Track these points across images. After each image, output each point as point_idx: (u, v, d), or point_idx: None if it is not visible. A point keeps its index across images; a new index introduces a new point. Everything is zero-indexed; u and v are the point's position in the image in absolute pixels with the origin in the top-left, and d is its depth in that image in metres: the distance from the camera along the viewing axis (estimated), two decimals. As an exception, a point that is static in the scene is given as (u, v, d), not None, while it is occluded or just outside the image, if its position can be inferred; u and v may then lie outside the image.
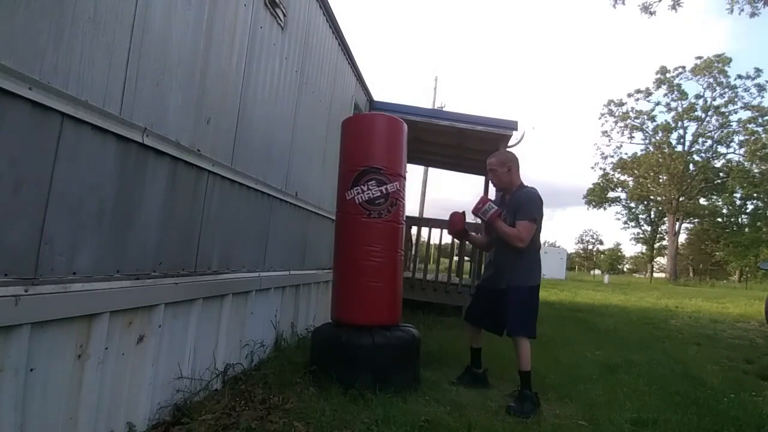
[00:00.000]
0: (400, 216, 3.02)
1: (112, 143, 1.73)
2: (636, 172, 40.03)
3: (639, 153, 39.87)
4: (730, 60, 35.02)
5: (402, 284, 3.13)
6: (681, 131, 38.26)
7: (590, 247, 69.59)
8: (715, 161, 37.54)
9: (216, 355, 2.57)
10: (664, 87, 37.96)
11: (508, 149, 6.38)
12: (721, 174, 37.14)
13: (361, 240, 2.88)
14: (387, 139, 3.02)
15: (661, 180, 39.01)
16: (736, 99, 35.19)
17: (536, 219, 2.83)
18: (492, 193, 5.85)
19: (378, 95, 6.48)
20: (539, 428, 2.45)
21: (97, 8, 1.60)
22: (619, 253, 69.05)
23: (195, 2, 2.18)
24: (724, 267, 47.67)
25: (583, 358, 4.17)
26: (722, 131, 36.41)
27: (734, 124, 35.70)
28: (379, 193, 2.87)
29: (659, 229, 45.42)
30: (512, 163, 3.00)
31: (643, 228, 46.75)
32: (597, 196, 42.46)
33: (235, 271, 2.77)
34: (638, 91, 38.94)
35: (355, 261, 2.89)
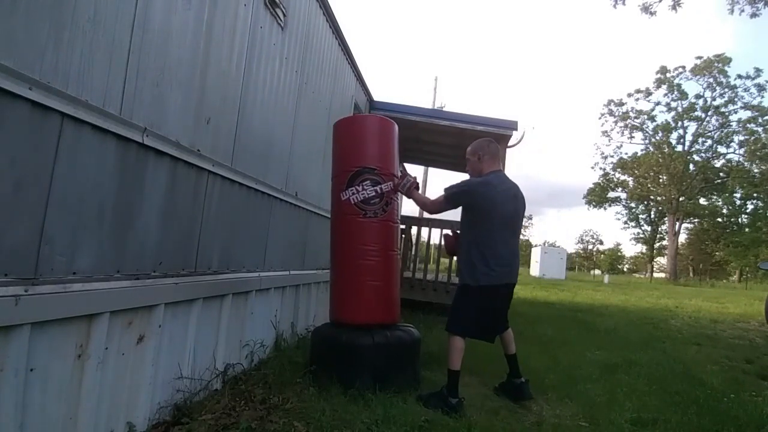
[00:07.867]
0: (395, 215, 3.05)
1: (112, 143, 1.73)
2: (636, 172, 40.03)
3: (639, 153, 39.95)
4: (730, 60, 35.05)
5: (400, 283, 3.14)
6: (681, 131, 38.32)
7: (590, 247, 69.58)
8: (715, 161, 37.56)
9: (216, 355, 2.57)
10: (664, 87, 37.96)
11: (508, 148, 6.41)
12: (721, 174, 37.08)
13: (357, 240, 2.89)
14: (379, 139, 3.04)
15: (661, 180, 39.01)
16: (736, 99, 35.19)
17: (446, 193, 2.83)
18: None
19: (378, 95, 6.49)
20: (539, 428, 2.46)
21: (97, 8, 1.60)
22: (619, 253, 68.99)
23: (195, 2, 2.18)
24: (724, 267, 47.63)
25: (583, 358, 4.16)
26: (722, 131, 36.40)
27: (734, 124, 35.73)
28: (374, 193, 2.89)
29: (659, 229, 45.40)
30: (482, 151, 2.96)
31: (643, 228, 46.75)
32: (597, 196, 42.43)
33: (235, 271, 2.77)
34: (638, 91, 38.97)
35: (352, 261, 2.89)
